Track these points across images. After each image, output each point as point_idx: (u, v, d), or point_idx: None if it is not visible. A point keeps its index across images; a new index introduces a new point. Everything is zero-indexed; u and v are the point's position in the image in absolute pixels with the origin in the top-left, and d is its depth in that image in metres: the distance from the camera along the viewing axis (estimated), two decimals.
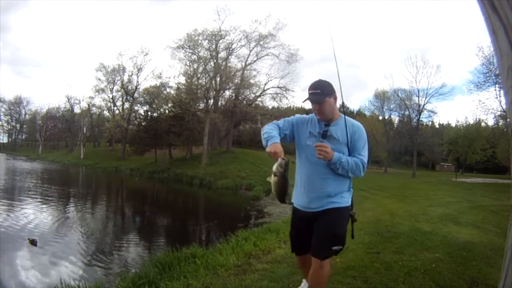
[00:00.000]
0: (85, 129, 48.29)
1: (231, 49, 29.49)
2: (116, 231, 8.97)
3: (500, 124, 29.68)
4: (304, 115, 2.14)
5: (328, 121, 1.99)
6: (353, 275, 3.12)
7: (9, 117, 62.08)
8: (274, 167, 1.83)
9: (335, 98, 1.97)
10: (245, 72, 29.85)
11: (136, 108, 38.21)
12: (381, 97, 38.25)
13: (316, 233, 1.96)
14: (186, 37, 28.03)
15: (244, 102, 30.16)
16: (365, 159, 1.95)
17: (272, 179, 1.88)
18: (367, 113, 42.07)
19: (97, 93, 41.59)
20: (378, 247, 4.21)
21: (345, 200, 1.99)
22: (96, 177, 26.51)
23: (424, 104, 32.54)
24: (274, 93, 30.92)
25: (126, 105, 39.64)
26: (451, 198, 11.49)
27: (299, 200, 2.07)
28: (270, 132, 1.91)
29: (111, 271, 5.56)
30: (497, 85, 22.00)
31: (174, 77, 33.83)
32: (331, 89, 1.94)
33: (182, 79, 29.66)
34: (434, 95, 31.77)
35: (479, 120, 33.57)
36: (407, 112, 35.21)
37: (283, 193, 1.89)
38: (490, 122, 33.81)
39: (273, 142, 1.83)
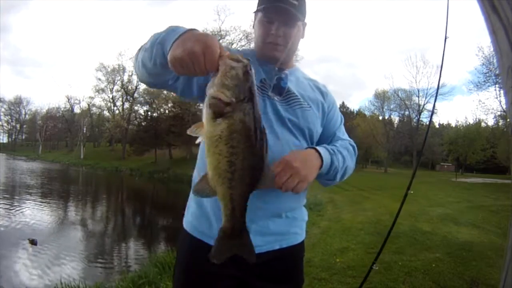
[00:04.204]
0: (85, 129, 48.29)
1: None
2: (116, 231, 8.97)
3: (500, 124, 29.77)
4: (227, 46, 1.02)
5: (279, 64, 0.99)
6: (353, 275, 3.12)
7: (9, 117, 62.14)
8: (214, 91, 0.67)
9: (304, 28, 1.04)
10: None
11: (136, 108, 38.32)
12: (381, 97, 38.34)
13: None
14: None
15: None
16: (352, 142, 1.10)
17: (209, 130, 0.68)
18: (367, 113, 42.12)
19: (97, 93, 41.70)
20: (378, 247, 4.21)
21: (304, 224, 1.09)
22: (96, 177, 26.50)
23: (424, 104, 32.70)
24: None
25: (126, 105, 39.70)
26: (451, 198, 11.50)
27: (213, 230, 0.92)
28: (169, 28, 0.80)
29: (111, 271, 5.56)
30: (497, 85, 22.05)
31: None
32: (305, 10, 1.01)
33: None
34: (434, 95, 31.86)
35: (479, 120, 33.64)
36: (407, 112, 35.33)
37: (251, 182, 0.72)
38: (490, 122, 33.91)
39: (190, 29, 0.75)
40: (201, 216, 1.00)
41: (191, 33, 0.72)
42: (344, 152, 1.01)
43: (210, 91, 0.67)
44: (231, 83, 0.66)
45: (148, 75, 0.88)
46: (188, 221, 1.04)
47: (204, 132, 0.69)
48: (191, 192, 1.06)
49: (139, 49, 0.89)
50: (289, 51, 1.01)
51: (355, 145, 1.09)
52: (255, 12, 1.02)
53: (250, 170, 0.70)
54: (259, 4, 1.00)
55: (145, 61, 0.83)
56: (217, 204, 0.84)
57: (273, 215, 0.91)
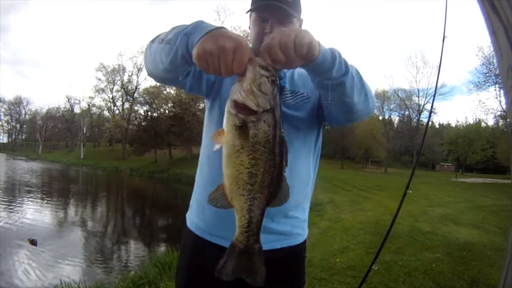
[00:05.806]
0: (85, 129, 48.25)
1: None
2: (116, 231, 8.97)
3: (500, 124, 29.77)
4: None
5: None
6: (353, 275, 3.12)
7: (9, 117, 62.13)
8: (243, 97, 0.64)
9: (301, 25, 1.02)
10: None
11: (136, 108, 38.32)
12: (381, 97, 38.31)
13: None
14: None
15: None
16: None
17: (231, 138, 0.65)
18: None
19: (97, 93, 41.72)
20: (378, 247, 4.21)
21: (305, 224, 1.08)
22: (96, 177, 26.49)
23: (424, 104, 32.68)
24: None
25: (126, 105, 39.73)
26: (451, 198, 11.50)
27: (216, 228, 0.98)
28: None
29: (111, 271, 5.56)
30: (497, 85, 22.05)
31: None
32: (300, 7, 0.98)
33: None
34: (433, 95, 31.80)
35: (479, 120, 33.64)
36: (407, 112, 35.32)
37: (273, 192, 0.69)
38: (490, 122, 33.90)
39: (221, 26, 0.70)
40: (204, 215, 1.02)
41: (223, 30, 0.67)
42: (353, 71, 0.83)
43: (236, 96, 0.64)
44: (260, 91, 0.63)
45: (162, 68, 0.81)
46: (190, 219, 1.07)
47: (225, 141, 0.65)
48: (193, 191, 1.09)
49: (152, 41, 0.83)
50: None
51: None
52: (248, 11, 0.99)
53: (270, 182, 0.67)
54: (252, 4, 0.98)
55: (163, 52, 0.78)
56: None
57: (277, 214, 0.93)
